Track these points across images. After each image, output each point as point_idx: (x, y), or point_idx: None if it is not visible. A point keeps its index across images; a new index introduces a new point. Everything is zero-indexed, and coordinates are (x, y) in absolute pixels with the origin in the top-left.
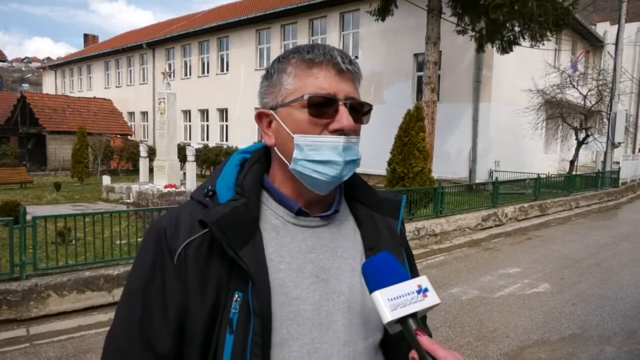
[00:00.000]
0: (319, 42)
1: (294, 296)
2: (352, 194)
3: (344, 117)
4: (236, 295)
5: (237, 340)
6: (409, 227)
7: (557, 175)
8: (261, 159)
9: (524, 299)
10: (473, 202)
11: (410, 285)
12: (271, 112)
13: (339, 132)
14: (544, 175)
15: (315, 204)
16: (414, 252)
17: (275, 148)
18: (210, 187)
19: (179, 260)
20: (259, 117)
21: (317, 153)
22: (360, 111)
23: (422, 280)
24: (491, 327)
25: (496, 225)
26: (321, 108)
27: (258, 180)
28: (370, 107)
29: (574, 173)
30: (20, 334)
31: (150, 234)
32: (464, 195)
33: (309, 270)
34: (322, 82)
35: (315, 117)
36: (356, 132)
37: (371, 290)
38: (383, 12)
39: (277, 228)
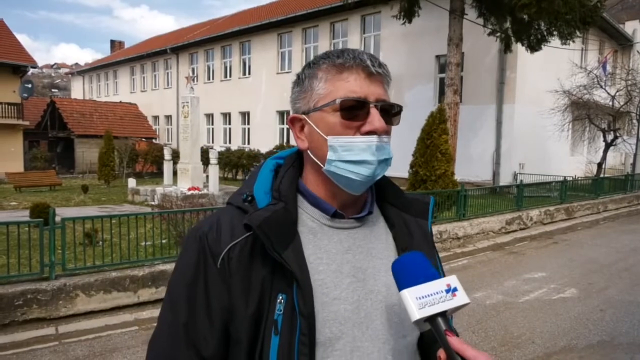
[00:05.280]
0: (340, 44)
1: (335, 296)
2: (381, 195)
3: (375, 119)
4: (280, 297)
5: (283, 340)
6: None
7: (584, 177)
8: (294, 163)
9: (550, 304)
10: (497, 205)
11: (439, 284)
12: (304, 116)
13: (371, 133)
14: (571, 178)
15: (349, 206)
16: None
17: (309, 151)
18: (248, 193)
19: (222, 264)
20: (292, 122)
21: (350, 153)
22: (390, 112)
23: (452, 280)
24: (516, 333)
25: (521, 229)
26: (353, 111)
27: (294, 184)
28: (400, 108)
29: (601, 175)
30: (49, 333)
31: (191, 238)
32: (487, 198)
33: (347, 270)
34: (352, 85)
35: (347, 120)
36: (387, 133)
37: (400, 289)
38: (409, 14)
39: (313, 231)
